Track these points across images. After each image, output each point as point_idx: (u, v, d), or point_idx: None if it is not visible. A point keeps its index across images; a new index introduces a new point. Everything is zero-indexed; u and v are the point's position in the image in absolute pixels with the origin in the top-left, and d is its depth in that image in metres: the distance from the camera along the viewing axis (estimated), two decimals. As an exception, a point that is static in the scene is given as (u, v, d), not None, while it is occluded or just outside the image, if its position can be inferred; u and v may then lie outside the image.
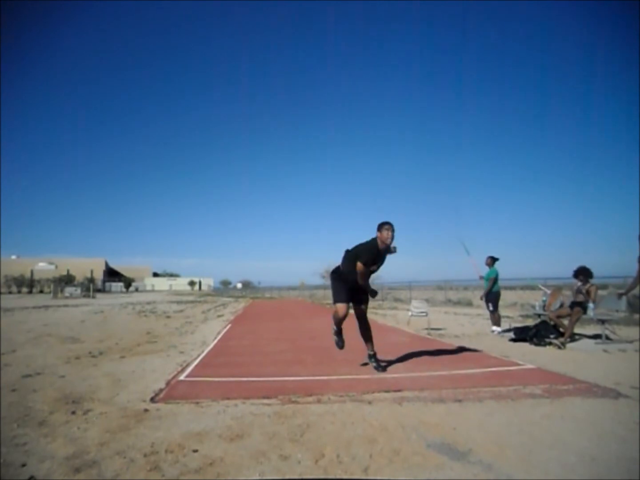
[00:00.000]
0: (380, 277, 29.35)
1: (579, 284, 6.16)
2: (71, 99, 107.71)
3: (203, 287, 76.49)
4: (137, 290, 67.49)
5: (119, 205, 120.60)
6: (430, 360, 4.70)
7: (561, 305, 6.51)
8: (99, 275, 67.58)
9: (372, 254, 3.92)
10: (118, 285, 67.49)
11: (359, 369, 4.25)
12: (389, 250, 4.05)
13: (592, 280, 6.20)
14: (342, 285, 4.17)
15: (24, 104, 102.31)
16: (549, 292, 7.22)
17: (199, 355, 5.20)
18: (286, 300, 27.55)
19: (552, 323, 6.33)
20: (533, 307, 8.41)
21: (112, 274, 73.67)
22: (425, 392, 3.32)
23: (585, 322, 7.51)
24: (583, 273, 6.16)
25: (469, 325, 8.80)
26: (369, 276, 4.17)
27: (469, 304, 16.86)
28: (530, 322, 7.76)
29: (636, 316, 8.34)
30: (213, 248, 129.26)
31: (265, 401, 3.13)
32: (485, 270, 7.61)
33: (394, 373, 4.05)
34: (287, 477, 1.92)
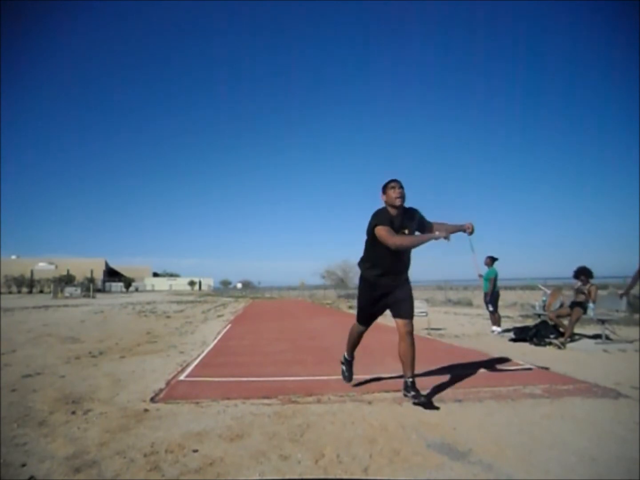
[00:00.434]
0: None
1: (579, 284, 6.17)
2: (71, 99, 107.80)
3: (203, 287, 76.42)
4: (137, 290, 67.44)
5: (119, 205, 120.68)
6: (430, 360, 4.70)
7: (561, 305, 6.51)
8: (99, 275, 67.52)
9: (386, 219, 3.01)
10: (118, 285, 67.41)
11: (359, 369, 4.25)
12: (412, 216, 3.10)
13: (592, 281, 6.20)
14: (367, 294, 3.23)
15: (24, 104, 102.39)
16: (549, 292, 7.21)
17: (199, 355, 5.20)
18: (286, 300, 27.55)
19: (552, 323, 6.33)
20: (533, 307, 8.41)
21: (112, 274, 73.61)
22: (425, 392, 3.32)
23: (585, 322, 7.50)
24: (584, 273, 6.16)
25: (469, 325, 8.80)
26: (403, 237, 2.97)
27: (469, 304, 16.86)
28: (530, 322, 7.76)
29: (636, 316, 8.34)
30: (213, 248, 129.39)
31: (265, 401, 3.13)
32: (484, 269, 7.61)
33: (394, 373, 4.05)
34: (287, 477, 1.92)
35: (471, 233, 3.07)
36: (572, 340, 6.08)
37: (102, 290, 60.74)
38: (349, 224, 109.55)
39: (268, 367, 4.43)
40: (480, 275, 7.58)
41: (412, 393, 2.97)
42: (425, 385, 3.53)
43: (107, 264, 74.63)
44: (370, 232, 3.04)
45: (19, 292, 57.72)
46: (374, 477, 1.91)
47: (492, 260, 7.50)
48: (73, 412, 2.90)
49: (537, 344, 5.85)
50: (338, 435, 2.42)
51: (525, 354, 5.15)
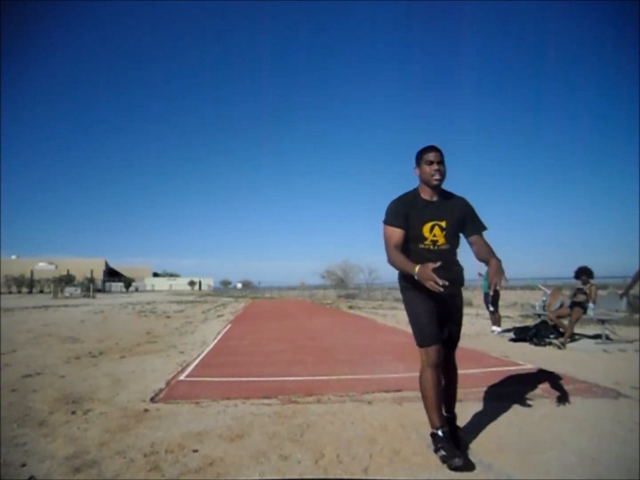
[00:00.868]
0: (380, 277, 29.44)
1: (580, 283, 6.16)
2: (71, 99, 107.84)
3: (203, 287, 76.40)
4: (137, 290, 67.42)
5: (119, 205, 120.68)
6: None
7: (561, 305, 6.51)
8: (99, 275, 67.53)
9: (398, 214, 2.19)
10: (118, 285, 67.41)
11: (359, 369, 4.25)
12: (454, 207, 2.25)
13: (592, 281, 6.20)
14: (423, 302, 2.19)
15: (24, 103, 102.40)
16: (549, 292, 7.21)
17: (199, 355, 5.20)
18: (286, 300, 27.54)
19: (552, 323, 6.34)
20: (533, 307, 8.41)
21: (112, 274, 73.62)
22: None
23: (585, 322, 7.50)
24: (584, 273, 6.17)
25: (469, 325, 8.80)
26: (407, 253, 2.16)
27: (469, 304, 16.84)
28: (530, 322, 7.76)
29: (636, 316, 8.34)
30: (213, 248, 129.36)
31: (265, 401, 3.13)
32: (484, 269, 7.59)
33: (394, 373, 4.05)
34: (287, 477, 1.92)
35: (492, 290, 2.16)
36: (572, 340, 6.07)
37: (102, 290, 60.74)
38: (349, 224, 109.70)
39: (268, 367, 4.43)
40: (480, 274, 7.57)
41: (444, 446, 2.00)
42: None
43: (107, 264, 74.64)
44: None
45: (19, 292, 57.72)
46: (374, 477, 1.92)
47: None
48: (73, 412, 2.90)
49: (537, 344, 5.85)
50: (338, 435, 2.42)
51: (525, 354, 5.15)
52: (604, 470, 1.96)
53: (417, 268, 1.99)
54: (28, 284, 60.83)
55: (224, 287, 69.87)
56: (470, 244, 2.30)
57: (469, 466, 1.97)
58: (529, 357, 4.86)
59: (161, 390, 3.51)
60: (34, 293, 54.46)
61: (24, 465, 2.07)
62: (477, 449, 2.20)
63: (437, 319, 2.21)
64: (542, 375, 3.90)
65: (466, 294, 18.19)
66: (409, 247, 2.20)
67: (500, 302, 7.77)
